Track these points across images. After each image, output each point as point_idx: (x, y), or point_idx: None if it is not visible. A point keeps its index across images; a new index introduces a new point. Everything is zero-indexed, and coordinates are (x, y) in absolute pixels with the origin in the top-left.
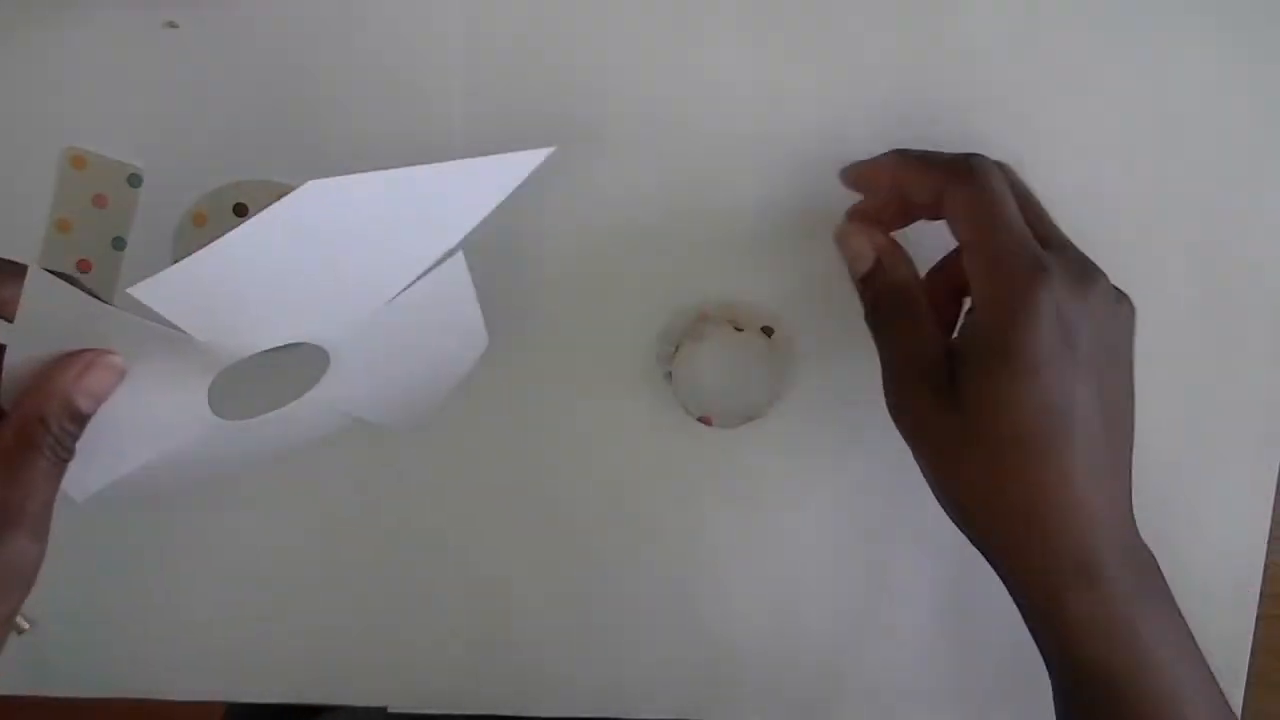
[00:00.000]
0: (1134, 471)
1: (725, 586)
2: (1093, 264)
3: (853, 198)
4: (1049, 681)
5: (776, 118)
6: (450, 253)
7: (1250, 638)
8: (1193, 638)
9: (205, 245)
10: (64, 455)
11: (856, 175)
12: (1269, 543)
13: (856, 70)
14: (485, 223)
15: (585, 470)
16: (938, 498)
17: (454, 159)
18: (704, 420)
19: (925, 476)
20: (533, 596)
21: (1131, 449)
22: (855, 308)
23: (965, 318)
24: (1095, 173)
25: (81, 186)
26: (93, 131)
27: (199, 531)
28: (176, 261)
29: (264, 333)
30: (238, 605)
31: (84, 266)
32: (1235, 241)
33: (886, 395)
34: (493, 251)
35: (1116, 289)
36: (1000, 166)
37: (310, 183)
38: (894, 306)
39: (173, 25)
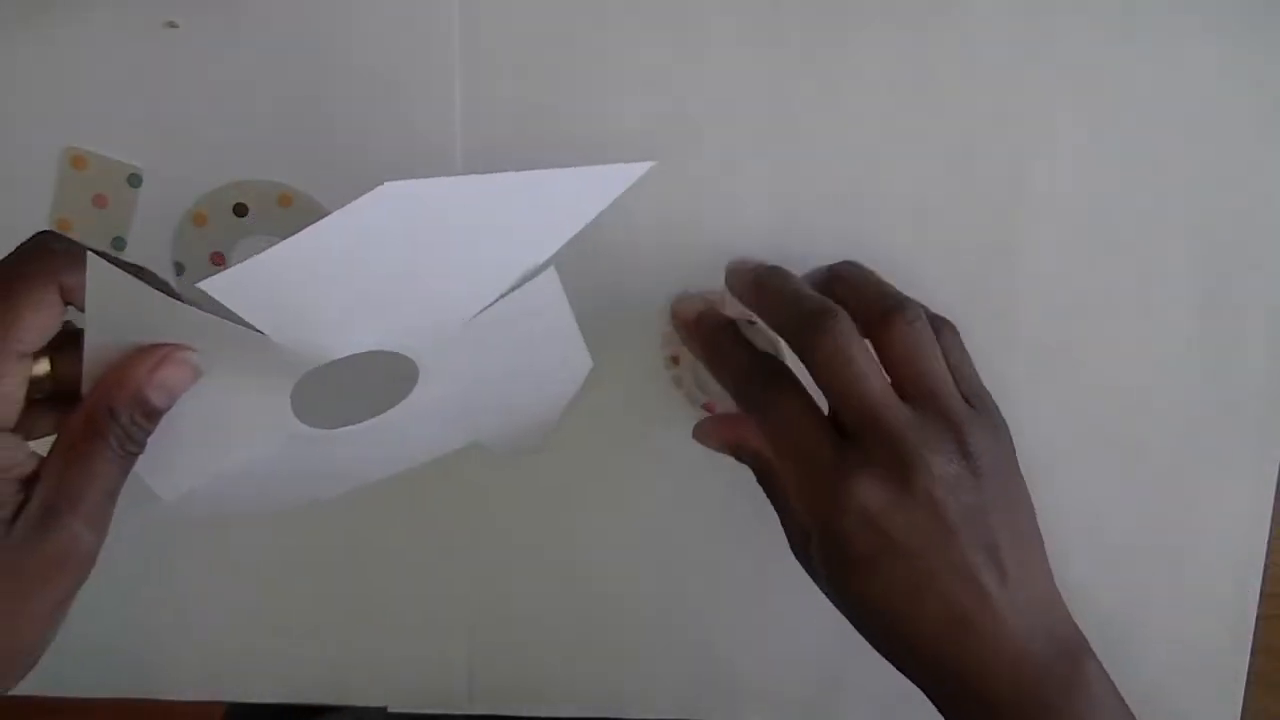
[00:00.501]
0: (1134, 472)
1: (725, 585)
2: (921, 437)
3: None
4: None
5: (779, 116)
6: (542, 267)
7: (1250, 638)
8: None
9: (205, 245)
10: (131, 449)
11: (735, 279)
12: (1269, 543)
13: (857, 70)
14: None
15: (585, 465)
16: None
17: (454, 159)
18: (707, 409)
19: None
20: (533, 596)
21: (1030, 554)
22: None
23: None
24: (1095, 173)
25: (81, 186)
26: (93, 131)
27: (199, 532)
28: (176, 262)
29: (342, 337)
30: (238, 605)
31: None
32: (1235, 241)
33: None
34: None
35: (979, 424)
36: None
37: (384, 184)
38: (765, 480)
39: (173, 25)
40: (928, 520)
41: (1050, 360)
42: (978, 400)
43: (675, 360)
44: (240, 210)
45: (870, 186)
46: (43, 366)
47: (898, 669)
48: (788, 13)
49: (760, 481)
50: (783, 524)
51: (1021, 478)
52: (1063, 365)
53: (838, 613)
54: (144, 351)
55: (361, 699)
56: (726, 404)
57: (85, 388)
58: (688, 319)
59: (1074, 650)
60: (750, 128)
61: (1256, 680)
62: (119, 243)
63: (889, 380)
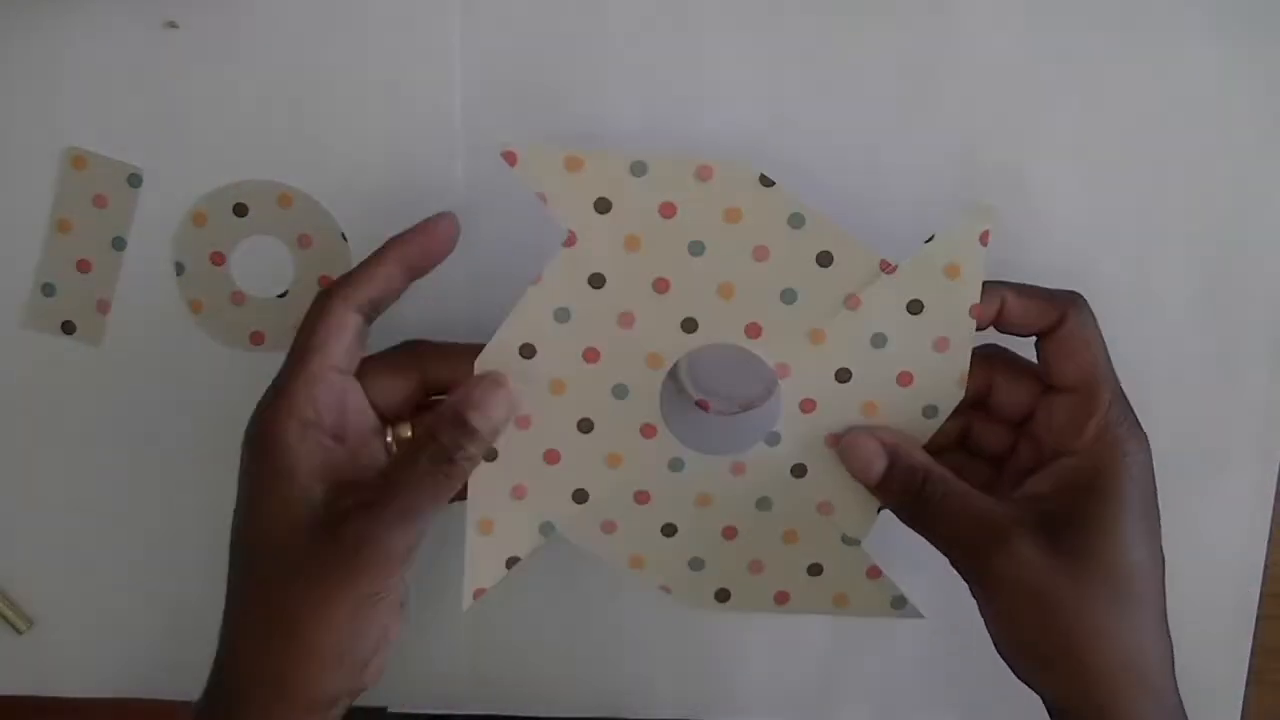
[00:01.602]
0: None
1: None
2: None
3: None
4: None
5: (777, 117)
6: None
7: (1250, 638)
8: None
9: (205, 245)
10: (443, 464)
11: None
12: (1269, 543)
13: (857, 70)
14: (495, 210)
15: None
16: (1024, 656)
17: (454, 159)
18: (702, 405)
19: (1010, 638)
20: (532, 596)
21: None
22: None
23: (1052, 466)
24: (1096, 172)
25: (81, 186)
26: (93, 131)
27: (199, 531)
28: (176, 262)
29: None
30: None
31: (84, 266)
32: (1235, 241)
33: (961, 568)
34: (499, 244)
35: (1137, 418)
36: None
37: None
38: (930, 494)
39: (173, 25)
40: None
41: None
42: None
43: None
44: (240, 210)
45: (870, 186)
46: (404, 430)
47: (1062, 657)
48: (788, 12)
49: (916, 504)
50: (963, 529)
51: None
52: None
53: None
54: (475, 380)
55: (361, 699)
56: (722, 402)
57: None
58: None
59: None
60: (750, 128)
61: (1256, 680)
62: (119, 243)
63: None
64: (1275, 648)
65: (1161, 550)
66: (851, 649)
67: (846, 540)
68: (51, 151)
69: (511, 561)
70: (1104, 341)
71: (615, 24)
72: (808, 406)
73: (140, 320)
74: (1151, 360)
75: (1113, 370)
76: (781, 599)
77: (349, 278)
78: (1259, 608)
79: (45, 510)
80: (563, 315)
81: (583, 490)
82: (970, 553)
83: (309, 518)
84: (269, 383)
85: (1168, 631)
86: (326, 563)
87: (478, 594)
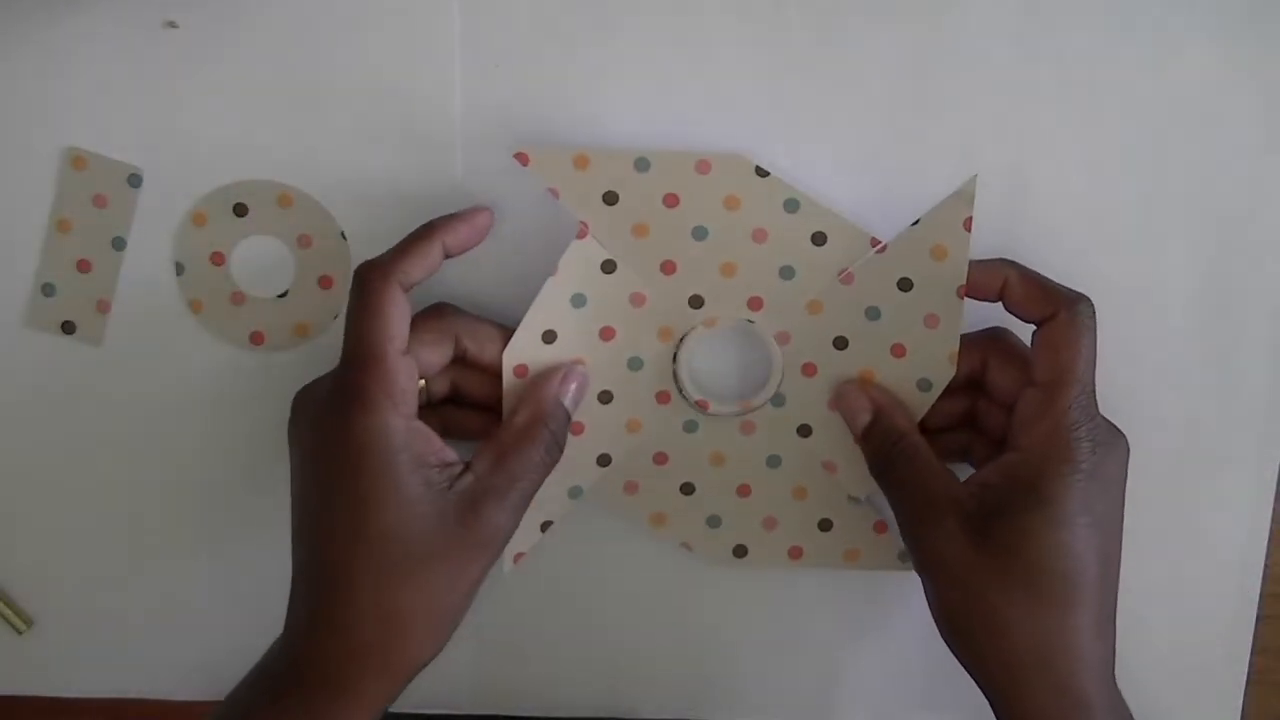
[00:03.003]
0: (1134, 471)
1: (725, 585)
2: (1114, 426)
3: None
4: None
5: (777, 117)
6: None
7: (1250, 638)
8: None
9: (205, 245)
10: (555, 453)
11: (976, 275)
12: (1269, 543)
13: (857, 70)
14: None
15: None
16: (944, 628)
17: (454, 159)
18: (700, 405)
19: (935, 608)
20: (532, 597)
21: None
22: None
23: (1004, 456)
24: (1095, 173)
25: (81, 186)
26: (93, 131)
27: (199, 531)
28: (176, 262)
29: None
30: (238, 605)
31: (84, 266)
32: (1235, 241)
33: (903, 532)
34: (498, 244)
35: (1114, 427)
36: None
37: None
38: (898, 456)
39: (173, 25)
40: (1111, 495)
41: None
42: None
43: (674, 357)
44: (240, 210)
45: (870, 186)
46: (441, 384)
47: (987, 642)
48: (788, 12)
49: (884, 462)
50: (917, 500)
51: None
52: None
53: (837, 613)
54: (553, 370)
55: None
56: (719, 402)
57: (506, 403)
58: (977, 266)
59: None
60: (750, 128)
61: (1256, 680)
62: (119, 243)
63: None
64: (1275, 648)
65: (1112, 556)
66: (851, 649)
67: (851, 498)
68: (51, 151)
69: (545, 525)
70: (1093, 349)
71: (615, 24)
72: (809, 370)
73: (140, 320)
74: (1151, 360)
75: (1089, 377)
76: (795, 554)
77: (399, 258)
78: (1259, 608)
79: (45, 510)
80: (579, 301)
81: (606, 455)
82: (910, 521)
83: (427, 504)
84: (269, 383)
85: (1104, 635)
86: (459, 547)
87: (518, 559)
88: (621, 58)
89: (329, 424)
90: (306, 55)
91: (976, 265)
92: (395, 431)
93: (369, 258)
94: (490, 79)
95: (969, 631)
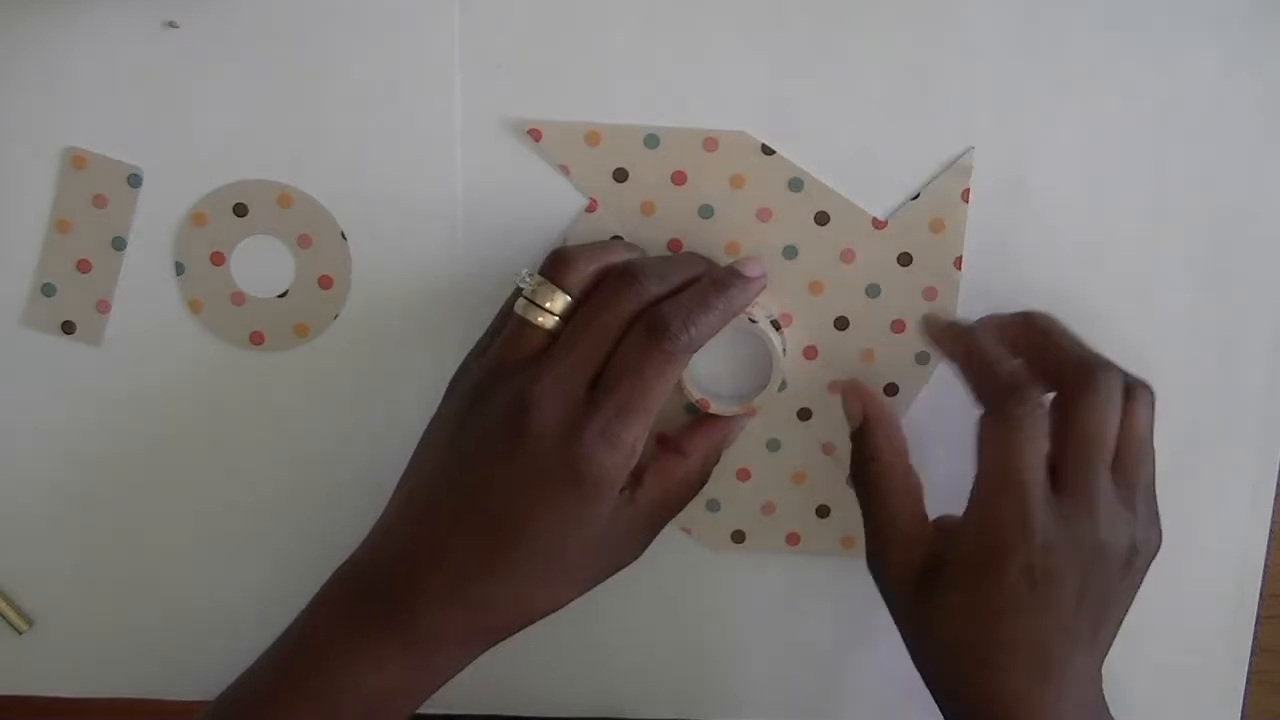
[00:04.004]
0: None
1: (726, 586)
2: (1101, 507)
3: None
4: None
5: (777, 118)
6: None
7: (1250, 638)
8: None
9: (205, 245)
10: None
11: (936, 332)
12: (1269, 543)
13: (857, 70)
14: (495, 210)
15: None
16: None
17: (454, 159)
18: (701, 405)
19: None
20: None
21: (1107, 648)
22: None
23: (961, 518)
24: (1096, 172)
25: (81, 186)
26: (93, 131)
27: (199, 531)
28: (176, 262)
29: None
30: (238, 605)
31: (84, 266)
32: (1235, 241)
33: (866, 547)
34: (497, 244)
35: (1129, 516)
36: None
37: None
38: (866, 475)
39: (173, 25)
40: (1075, 590)
41: None
42: (1129, 487)
43: None
44: (240, 210)
45: (870, 187)
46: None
47: (930, 688)
48: (788, 13)
49: (859, 476)
50: (875, 523)
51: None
52: None
53: (837, 613)
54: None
55: None
56: (720, 402)
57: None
58: (939, 323)
59: None
60: (750, 128)
61: (1256, 680)
62: (119, 242)
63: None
64: (1275, 648)
65: (1054, 640)
66: (851, 650)
67: (848, 482)
68: (51, 151)
69: None
70: (1035, 442)
71: (614, 25)
72: (810, 353)
73: (140, 320)
74: (1151, 360)
75: (1033, 491)
76: (793, 540)
77: (691, 342)
78: (1259, 608)
79: (45, 510)
80: None
81: None
82: (868, 536)
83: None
84: (269, 383)
85: (1048, 680)
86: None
87: None
88: (621, 59)
89: (568, 454)
90: (306, 55)
91: (937, 326)
92: (616, 482)
93: (374, 259)
94: (490, 79)
95: (918, 656)
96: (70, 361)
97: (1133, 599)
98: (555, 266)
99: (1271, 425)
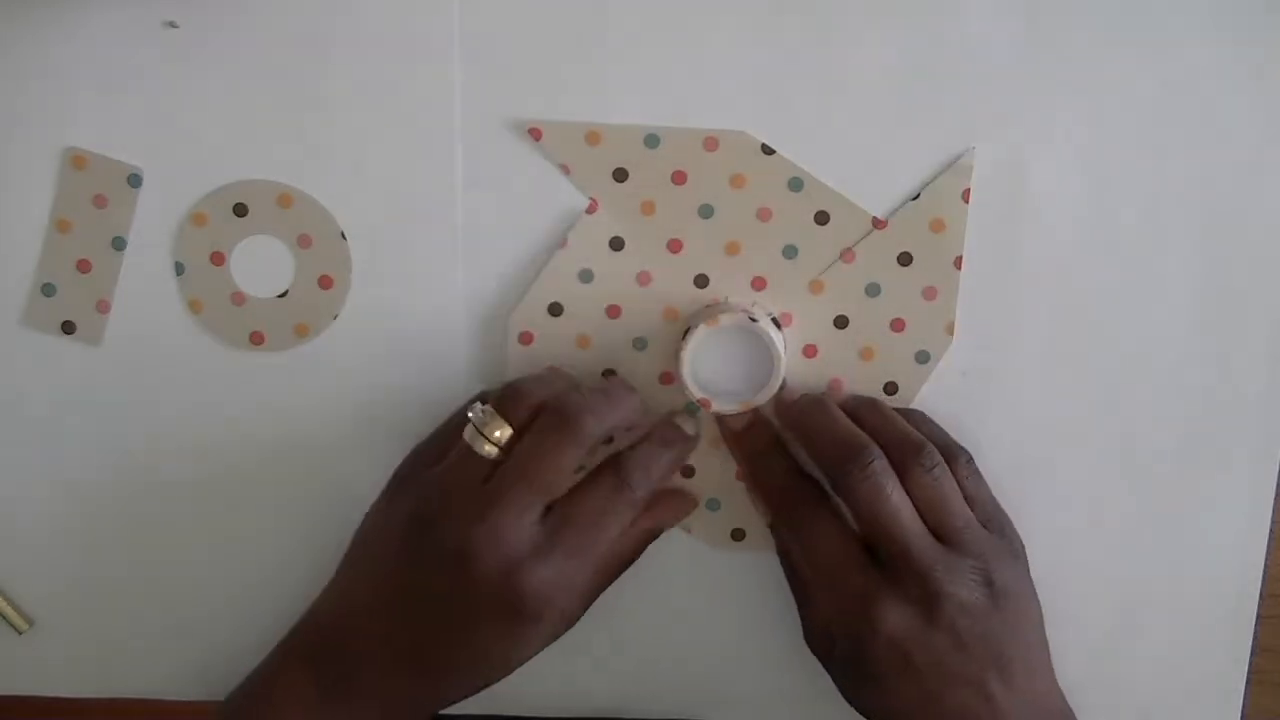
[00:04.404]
0: (1134, 471)
1: (726, 585)
2: (949, 575)
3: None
4: None
5: (777, 118)
6: None
7: (1250, 638)
8: None
9: (205, 245)
10: None
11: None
12: (1269, 543)
13: (857, 70)
14: (495, 210)
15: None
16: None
17: (454, 159)
18: (703, 404)
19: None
20: None
21: (1035, 661)
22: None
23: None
24: (1096, 172)
25: (81, 186)
26: (93, 131)
27: (199, 531)
28: (176, 262)
29: None
30: (238, 605)
31: (84, 266)
32: (1235, 241)
33: None
34: (497, 244)
35: (999, 552)
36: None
37: None
38: (787, 572)
39: (173, 25)
40: (948, 644)
41: (1050, 359)
42: (995, 525)
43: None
44: (240, 210)
45: (870, 187)
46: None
47: None
48: (788, 13)
49: (785, 570)
50: (801, 615)
51: (1034, 591)
52: (1063, 364)
53: None
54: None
55: None
56: (720, 401)
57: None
58: (735, 429)
59: None
60: (750, 128)
61: (1256, 680)
62: (119, 242)
63: (917, 514)
64: (1275, 648)
65: (962, 683)
66: None
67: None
68: (51, 151)
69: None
70: (884, 495)
71: (614, 24)
72: (810, 352)
73: (140, 320)
74: (1151, 360)
75: (846, 560)
76: None
77: (650, 490)
78: (1259, 608)
79: (45, 510)
80: (586, 276)
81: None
82: (789, 579)
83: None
84: (269, 383)
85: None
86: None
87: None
88: (621, 59)
89: (515, 590)
90: (306, 55)
91: (787, 404)
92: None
93: (374, 259)
94: (490, 79)
95: None
96: (70, 361)
97: (1035, 612)
98: (507, 400)
99: (1271, 425)
